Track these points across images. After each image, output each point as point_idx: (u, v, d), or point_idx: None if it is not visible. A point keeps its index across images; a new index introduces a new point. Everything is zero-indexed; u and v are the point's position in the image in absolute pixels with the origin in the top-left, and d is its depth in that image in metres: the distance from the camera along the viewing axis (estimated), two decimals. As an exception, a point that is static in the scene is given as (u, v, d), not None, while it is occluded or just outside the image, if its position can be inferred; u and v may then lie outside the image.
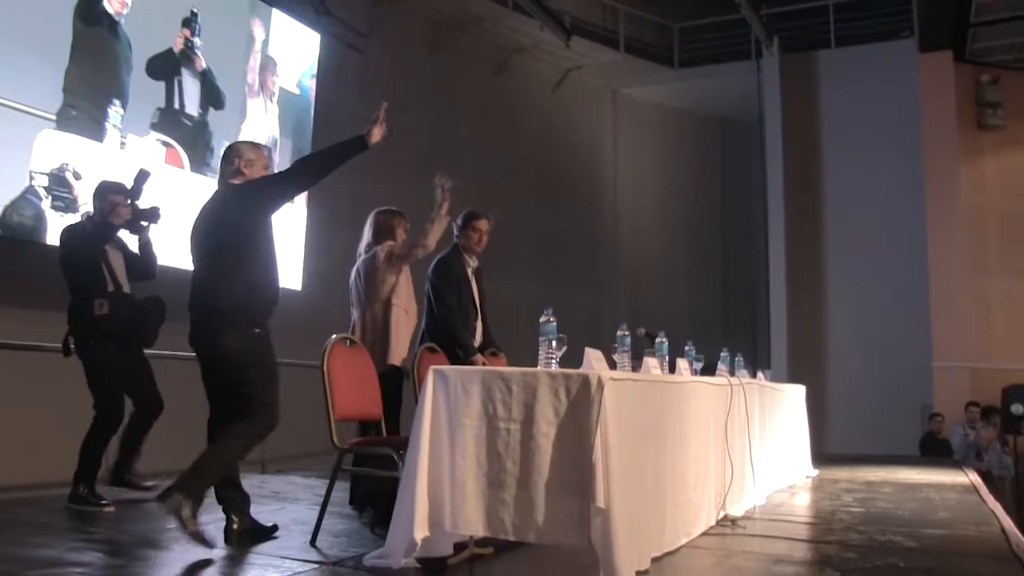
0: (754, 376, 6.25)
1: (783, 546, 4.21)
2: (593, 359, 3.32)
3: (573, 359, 3.42)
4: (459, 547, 3.49)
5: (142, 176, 5.06)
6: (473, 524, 3.21)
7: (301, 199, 8.60)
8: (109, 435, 5.05)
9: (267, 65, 8.77)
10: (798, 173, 13.35)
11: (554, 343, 3.39)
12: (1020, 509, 9.81)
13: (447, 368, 3.37)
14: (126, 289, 5.18)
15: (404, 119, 10.64)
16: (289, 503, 5.29)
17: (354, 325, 5.07)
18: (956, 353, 12.01)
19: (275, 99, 8.86)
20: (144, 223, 5.22)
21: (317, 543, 3.88)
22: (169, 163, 7.37)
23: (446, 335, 5.13)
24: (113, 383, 5.04)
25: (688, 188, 15.25)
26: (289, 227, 8.25)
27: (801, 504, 6.02)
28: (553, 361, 3.37)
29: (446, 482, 3.25)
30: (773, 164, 13.45)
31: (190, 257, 4.06)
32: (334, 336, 4.02)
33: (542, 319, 3.42)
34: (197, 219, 4.07)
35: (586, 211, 13.97)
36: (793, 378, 9.58)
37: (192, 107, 7.78)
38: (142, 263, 5.35)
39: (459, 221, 5.48)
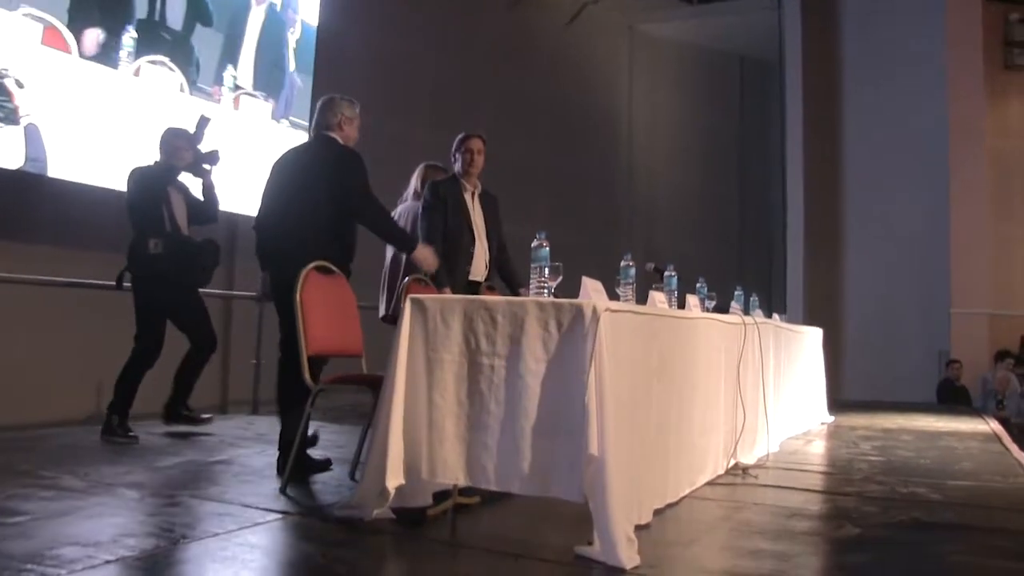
0: (769, 317, 5.92)
1: (798, 498, 3.90)
2: (591, 289, 2.94)
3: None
4: (440, 496, 3.17)
5: (203, 121, 5.47)
6: (452, 471, 2.87)
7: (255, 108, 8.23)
8: (144, 369, 5.23)
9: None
10: (818, 114, 12.99)
11: (547, 271, 3.01)
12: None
13: (425, 296, 3.00)
14: (184, 231, 5.41)
15: (413, 53, 10.29)
16: (273, 445, 5.00)
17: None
18: (975, 299, 11.72)
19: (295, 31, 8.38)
20: (206, 166, 5.54)
21: (288, 491, 3.56)
22: (48, 44, 6.48)
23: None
24: (156, 320, 5.28)
25: (705, 128, 14.83)
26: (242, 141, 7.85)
27: (817, 452, 5.72)
28: (545, 291, 3.00)
29: (423, 425, 2.90)
30: (792, 104, 13.09)
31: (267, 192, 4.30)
32: (310, 264, 3.67)
33: (534, 243, 3.04)
34: (289, 162, 4.32)
35: (601, 150, 13.58)
36: (808, 323, 9.27)
37: (176, 21, 7.18)
38: (205, 206, 5.62)
39: (454, 144, 5.18)
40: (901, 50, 12.51)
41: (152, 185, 5.27)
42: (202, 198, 5.60)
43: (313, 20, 8.49)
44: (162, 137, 5.48)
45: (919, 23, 12.40)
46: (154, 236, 5.17)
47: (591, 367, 2.66)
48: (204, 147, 5.52)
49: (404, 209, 5.67)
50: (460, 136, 5.18)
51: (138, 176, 5.30)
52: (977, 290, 11.76)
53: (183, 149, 5.43)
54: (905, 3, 12.63)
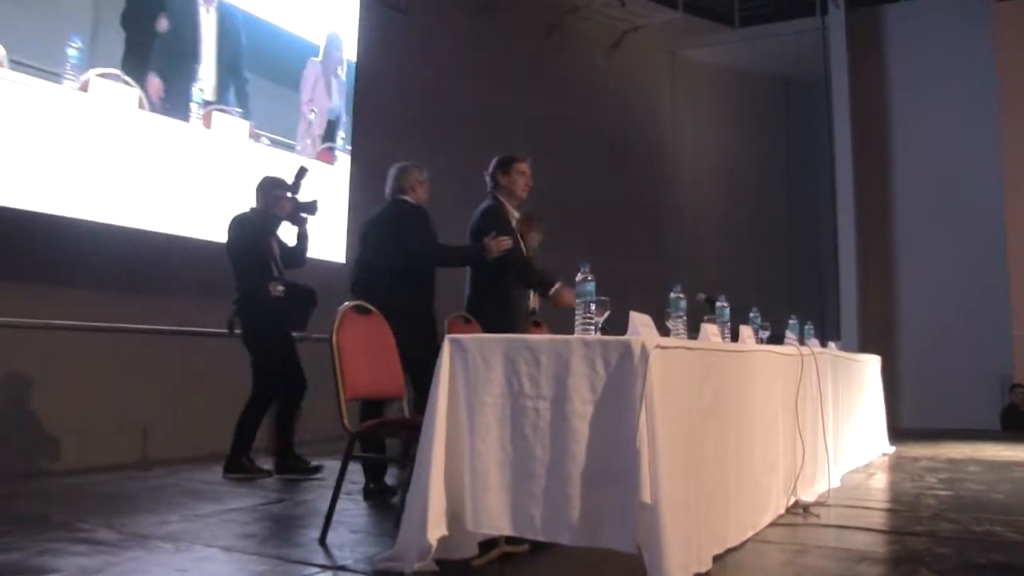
0: (824, 347, 5.71)
1: (864, 539, 3.67)
2: (640, 324, 2.78)
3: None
4: (486, 545, 3.01)
5: (301, 172, 5.71)
6: (497, 522, 2.71)
7: (344, 163, 8.17)
8: (265, 410, 5.50)
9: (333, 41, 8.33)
10: (866, 136, 12.73)
11: (593, 306, 2.85)
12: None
13: (465, 337, 2.86)
14: (284, 276, 5.65)
15: (452, 84, 10.24)
16: (311, 492, 4.88)
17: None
18: (1038, 320, 11.28)
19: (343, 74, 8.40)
20: (304, 215, 5.76)
21: (327, 541, 3.41)
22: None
23: (523, 280, 4.87)
24: (275, 363, 5.50)
25: (751, 153, 14.59)
26: (332, 195, 7.75)
27: (880, 487, 5.47)
28: (592, 327, 2.84)
29: (465, 472, 2.75)
30: (840, 127, 12.81)
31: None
32: (345, 304, 3.54)
33: (578, 277, 2.90)
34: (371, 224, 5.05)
35: (645, 177, 13.39)
36: (863, 350, 9.01)
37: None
38: (296, 252, 5.82)
39: (496, 167, 4.94)
40: (949, 67, 12.22)
41: (259, 233, 5.54)
42: (294, 243, 5.83)
43: (350, 52, 8.49)
44: (260, 185, 5.71)
45: (967, 39, 12.12)
46: (272, 280, 5.47)
47: (641, 408, 2.50)
48: (302, 197, 5.74)
49: None
50: (504, 157, 4.97)
51: (243, 224, 5.56)
52: (1039, 311, 11.36)
53: (282, 199, 5.64)
54: (952, 19, 12.35)
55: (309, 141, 7.80)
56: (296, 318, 5.60)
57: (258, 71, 7.29)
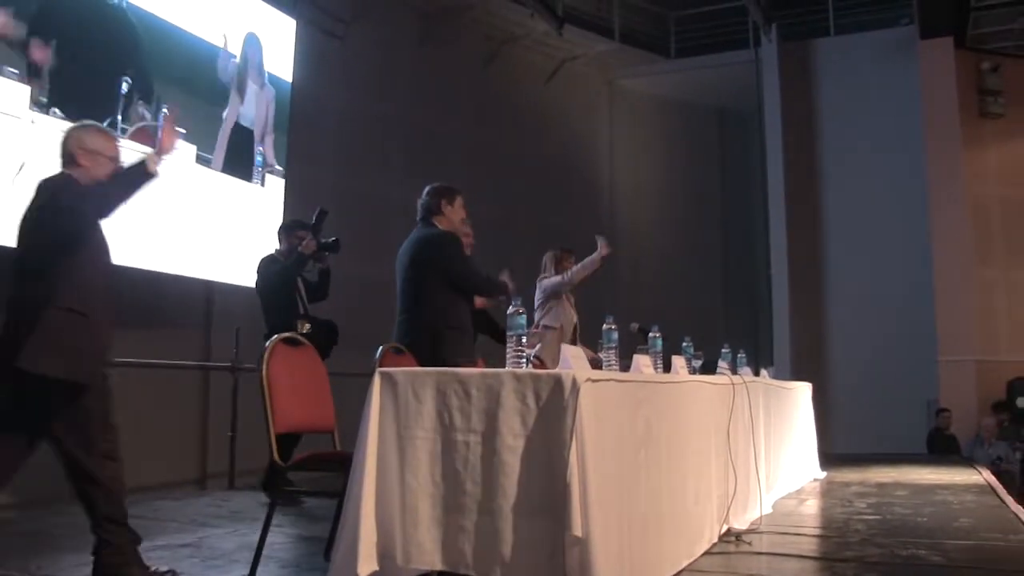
0: (757, 374, 5.79)
1: (794, 566, 3.73)
2: (571, 357, 2.80)
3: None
4: (419, 581, 2.98)
5: (322, 215, 6.05)
6: (428, 557, 2.69)
7: (278, 189, 8.02)
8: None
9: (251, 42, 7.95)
10: (798, 165, 12.99)
11: (524, 339, 2.86)
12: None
13: (395, 370, 2.85)
14: (310, 312, 6.08)
15: (390, 112, 10.23)
16: (247, 524, 4.80)
17: None
18: (962, 346, 11.61)
19: (261, 83, 8.06)
20: (327, 253, 6.15)
21: None
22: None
23: (482, 291, 5.10)
24: None
25: (686, 181, 14.76)
26: (262, 220, 7.65)
27: (811, 512, 5.54)
28: (523, 361, 2.85)
29: (396, 507, 2.72)
30: (773, 156, 13.08)
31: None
32: (275, 336, 3.50)
33: (509, 311, 2.90)
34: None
35: (582, 206, 13.47)
36: (796, 377, 9.15)
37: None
38: (319, 287, 6.28)
39: (440, 195, 4.89)
40: (877, 101, 12.57)
41: (288, 274, 6.01)
42: (317, 280, 6.26)
43: (285, 75, 8.37)
44: (282, 227, 6.40)
45: (895, 74, 12.49)
46: (300, 319, 5.89)
47: (572, 442, 2.51)
48: (323, 236, 6.08)
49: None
50: (445, 187, 4.94)
51: (271, 264, 6.09)
52: (963, 337, 11.65)
53: (307, 239, 5.97)
54: (880, 54, 12.72)
55: (223, 153, 7.48)
56: (320, 353, 5.60)
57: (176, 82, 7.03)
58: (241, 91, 7.79)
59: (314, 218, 6.09)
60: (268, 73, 8.11)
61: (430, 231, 4.79)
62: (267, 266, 6.12)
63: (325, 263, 6.25)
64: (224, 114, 7.55)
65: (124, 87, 6.41)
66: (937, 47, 12.21)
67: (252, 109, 7.90)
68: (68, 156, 3.55)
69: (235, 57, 7.69)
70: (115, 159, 3.61)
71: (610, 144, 14.51)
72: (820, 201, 12.96)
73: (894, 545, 4.16)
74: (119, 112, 6.34)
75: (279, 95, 8.26)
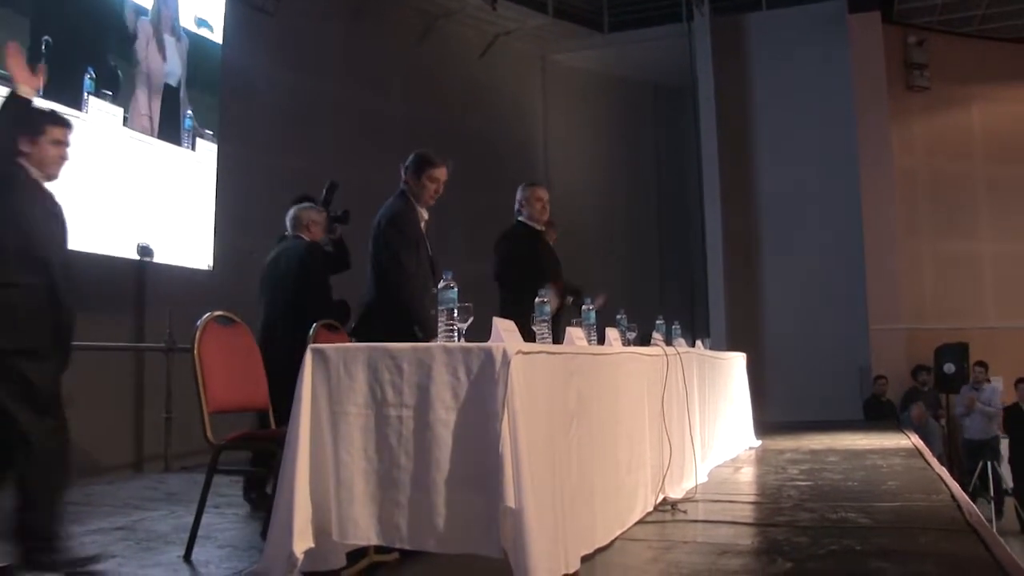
0: (692, 346, 5.86)
1: (728, 532, 3.80)
2: (503, 330, 2.81)
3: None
4: (355, 555, 2.99)
5: (332, 187, 5.94)
6: (363, 532, 2.70)
7: (210, 166, 7.87)
8: None
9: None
10: (731, 139, 13.10)
11: (455, 312, 2.87)
12: (951, 460, 10.51)
13: (327, 346, 2.84)
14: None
15: (322, 86, 10.11)
16: (184, 506, 4.76)
17: None
18: (892, 315, 11.96)
19: (177, 35, 7.74)
20: (338, 225, 5.89)
21: (193, 557, 3.33)
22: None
23: (403, 308, 4.33)
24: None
25: (621, 156, 14.80)
26: (197, 200, 7.50)
27: (745, 480, 5.65)
28: (454, 334, 2.86)
29: (330, 483, 2.73)
30: (706, 131, 13.15)
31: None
32: (207, 315, 3.47)
33: (440, 284, 2.90)
34: None
35: (516, 181, 13.38)
36: (732, 347, 9.27)
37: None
38: (341, 257, 5.84)
39: (410, 165, 4.79)
40: (809, 75, 12.69)
41: (323, 269, 5.49)
42: (333, 252, 5.80)
43: (211, 36, 8.13)
44: (292, 213, 5.54)
45: (825, 48, 12.60)
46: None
47: (504, 414, 2.53)
48: (333, 210, 5.87)
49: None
50: (422, 157, 4.89)
51: (320, 254, 5.54)
52: (893, 306, 12.00)
53: (317, 223, 5.54)
54: (811, 28, 12.82)
55: (147, 116, 7.26)
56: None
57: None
58: (161, 46, 7.52)
59: (324, 192, 5.89)
60: (185, 29, 7.89)
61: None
62: (318, 258, 5.52)
63: (336, 234, 5.90)
64: (145, 70, 7.28)
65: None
66: (865, 21, 12.45)
67: (177, 66, 7.67)
68: None
69: (147, 12, 7.42)
70: None
71: (544, 119, 14.47)
72: (753, 174, 13.08)
73: (824, 509, 4.26)
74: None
75: (207, 54, 8.04)
